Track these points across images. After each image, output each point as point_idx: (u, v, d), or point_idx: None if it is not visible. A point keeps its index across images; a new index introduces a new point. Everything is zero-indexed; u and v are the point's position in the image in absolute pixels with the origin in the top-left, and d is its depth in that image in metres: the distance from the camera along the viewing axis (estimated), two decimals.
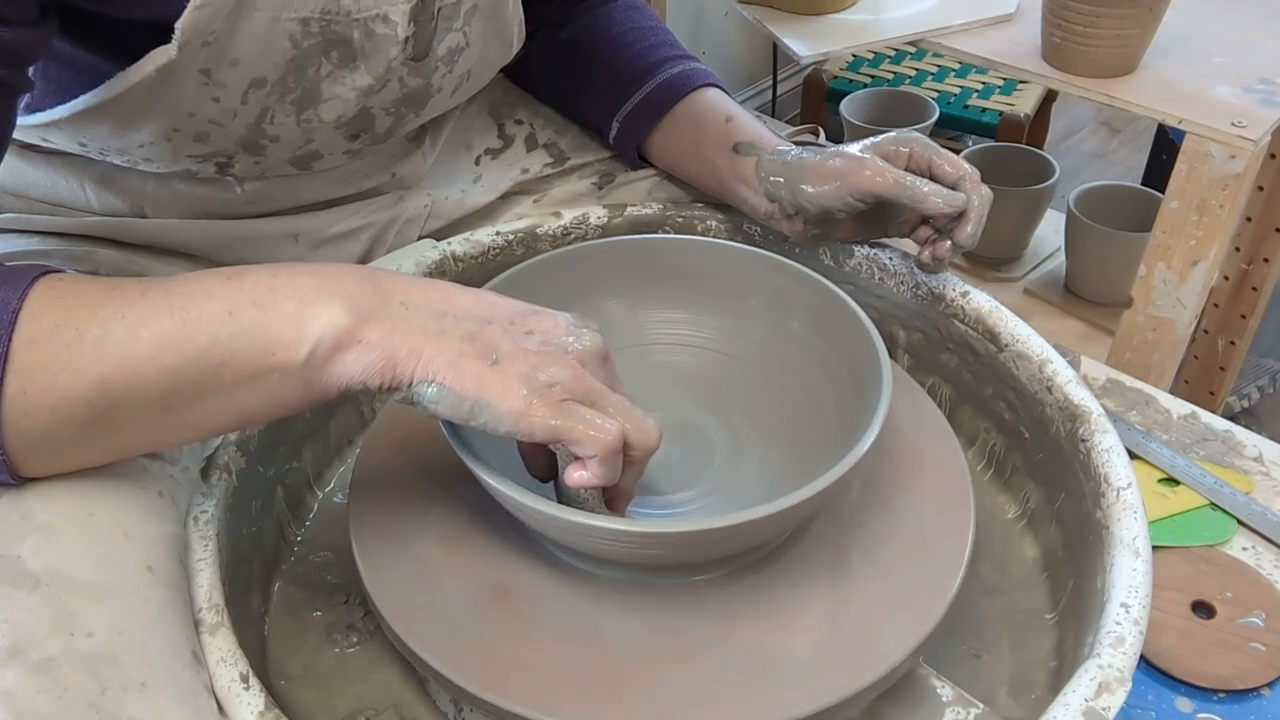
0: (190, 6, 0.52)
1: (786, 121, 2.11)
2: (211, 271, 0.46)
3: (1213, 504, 0.68)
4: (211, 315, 0.44)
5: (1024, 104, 1.89)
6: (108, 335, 0.43)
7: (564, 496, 0.49)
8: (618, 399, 0.46)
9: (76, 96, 0.58)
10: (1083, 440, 0.57)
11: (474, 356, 0.45)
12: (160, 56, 0.53)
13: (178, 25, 0.52)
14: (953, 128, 1.91)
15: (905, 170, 0.65)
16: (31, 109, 0.61)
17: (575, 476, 0.46)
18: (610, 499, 0.50)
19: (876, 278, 0.70)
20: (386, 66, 0.61)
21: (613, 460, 0.45)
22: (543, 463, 0.52)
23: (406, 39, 0.60)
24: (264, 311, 0.44)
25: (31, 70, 0.51)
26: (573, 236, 0.75)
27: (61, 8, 0.51)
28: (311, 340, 0.44)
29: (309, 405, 0.46)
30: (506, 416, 0.44)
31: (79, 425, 0.44)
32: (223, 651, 0.46)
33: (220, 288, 0.45)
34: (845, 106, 1.71)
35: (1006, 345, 0.63)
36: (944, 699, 0.51)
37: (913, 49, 1.75)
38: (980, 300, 0.65)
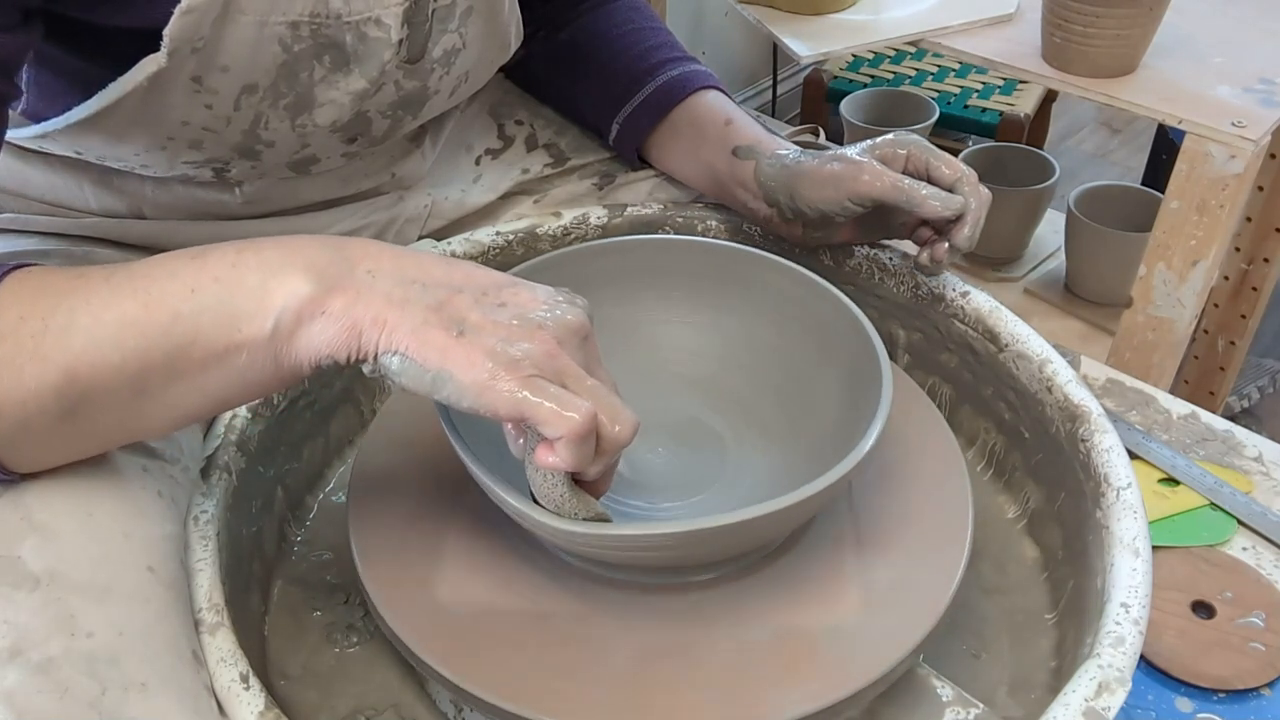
0: (176, 12, 0.51)
1: (786, 121, 2.11)
2: (179, 252, 0.45)
3: (1213, 504, 0.68)
4: (174, 293, 0.43)
5: (1024, 104, 1.89)
6: (73, 323, 0.43)
7: (532, 483, 0.46)
8: (593, 383, 0.43)
9: (70, 105, 0.57)
10: (1083, 440, 0.57)
11: (438, 326, 0.43)
12: (150, 65, 0.53)
13: (165, 32, 0.52)
14: (953, 128, 1.90)
15: (903, 173, 0.64)
16: (26, 120, 0.60)
17: (543, 459, 0.43)
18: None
19: (876, 278, 0.70)
20: (381, 70, 0.60)
21: (582, 444, 0.42)
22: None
23: (400, 41, 0.60)
24: (226, 286, 0.43)
25: (24, 79, 0.51)
26: (573, 237, 0.75)
27: (47, 15, 0.51)
28: (275, 312, 0.43)
29: (284, 384, 0.45)
30: (469, 390, 0.42)
31: (55, 415, 0.43)
32: (223, 651, 0.46)
33: (184, 267, 0.44)
34: (845, 107, 1.71)
35: (1006, 345, 0.63)
36: (944, 699, 0.51)
37: (913, 49, 1.74)
38: (980, 300, 0.65)
